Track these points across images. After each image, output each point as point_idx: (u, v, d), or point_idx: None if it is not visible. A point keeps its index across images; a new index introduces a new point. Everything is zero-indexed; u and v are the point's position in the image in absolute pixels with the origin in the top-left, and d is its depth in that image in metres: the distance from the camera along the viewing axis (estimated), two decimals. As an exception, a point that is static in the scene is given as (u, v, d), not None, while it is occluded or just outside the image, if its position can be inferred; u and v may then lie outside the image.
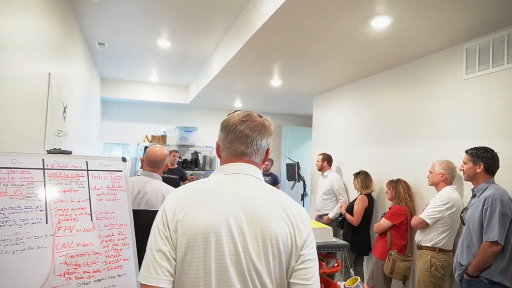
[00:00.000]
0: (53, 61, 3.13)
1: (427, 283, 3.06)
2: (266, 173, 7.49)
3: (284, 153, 8.00)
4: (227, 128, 1.35)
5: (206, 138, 7.82)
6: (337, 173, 5.15)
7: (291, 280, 1.23)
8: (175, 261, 1.14)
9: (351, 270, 4.39)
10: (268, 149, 1.41)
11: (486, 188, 2.59)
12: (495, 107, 2.99)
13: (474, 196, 2.70)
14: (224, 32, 4.32)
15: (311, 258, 1.25)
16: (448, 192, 3.10)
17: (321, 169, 5.15)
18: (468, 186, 2.94)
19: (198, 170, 7.47)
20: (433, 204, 3.12)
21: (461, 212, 2.92)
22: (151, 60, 5.63)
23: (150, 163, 2.60)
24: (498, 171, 2.68)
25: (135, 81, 6.98)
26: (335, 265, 2.28)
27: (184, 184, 6.26)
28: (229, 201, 1.20)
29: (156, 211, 1.25)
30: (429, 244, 3.11)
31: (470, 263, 2.55)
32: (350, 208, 4.32)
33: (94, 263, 1.40)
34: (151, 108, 7.55)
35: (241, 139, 1.32)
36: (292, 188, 6.29)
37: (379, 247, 3.74)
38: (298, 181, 5.97)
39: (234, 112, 1.42)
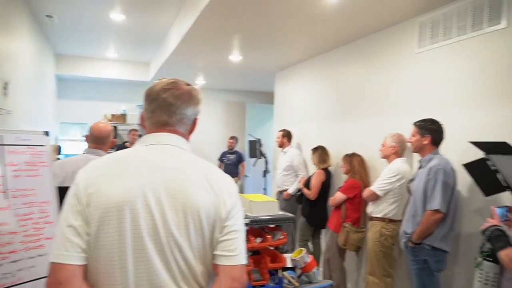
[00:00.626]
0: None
1: (377, 252, 3.15)
2: (231, 151, 7.47)
3: (248, 131, 7.96)
4: (150, 96, 1.29)
5: (169, 117, 7.66)
6: (298, 149, 5.18)
7: (215, 252, 1.20)
8: (89, 236, 1.09)
9: (309, 244, 4.47)
10: (195, 119, 1.36)
11: (432, 159, 2.65)
12: (443, 80, 3.04)
13: (420, 167, 2.76)
14: (180, 5, 4.16)
15: (236, 229, 1.22)
16: (398, 164, 3.16)
17: (281, 145, 5.15)
18: (418, 158, 3.00)
19: (161, 149, 7.33)
20: (383, 176, 3.18)
21: (408, 183, 2.99)
22: (108, 35, 5.39)
23: (94, 140, 2.50)
24: (445, 142, 2.74)
25: (93, 58, 6.69)
26: (281, 237, 2.29)
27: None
28: (147, 173, 1.15)
29: None
30: (379, 215, 3.19)
31: (415, 231, 2.63)
32: (308, 183, 4.36)
33: (9, 243, 1.32)
34: (111, 86, 7.29)
35: (163, 108, 1.26)
36: (254, 165, 6.29)
37: (334, 220, 3.81)
38: (260, 158, 5.97)
39: (160, 80, 1.35)
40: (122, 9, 4.31)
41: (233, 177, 7.29)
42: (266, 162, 5.95)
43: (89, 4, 4.16)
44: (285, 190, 4.96)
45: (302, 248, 2.28)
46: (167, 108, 1.26)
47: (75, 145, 6.78)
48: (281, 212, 2.33)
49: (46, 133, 1.61)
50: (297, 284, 2.18)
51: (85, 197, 1.10)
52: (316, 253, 4.44)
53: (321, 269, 4.11)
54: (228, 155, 7.49)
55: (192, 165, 1.23)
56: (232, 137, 7.54)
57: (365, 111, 3.95)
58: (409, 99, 3.38)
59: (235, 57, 5.02)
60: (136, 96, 7.39)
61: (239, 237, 1.22)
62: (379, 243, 3.15)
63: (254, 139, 6.07)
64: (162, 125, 1.27)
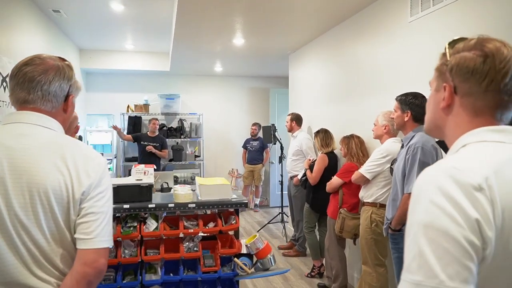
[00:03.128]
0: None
1: (368, 239, 2.93)
2: (254, 138, 7.39)
3: (272, 117, 7.81)
4: (12, 72, 1.23)
5: (191, 105, 7.73)
6: (308, 133, 4.98)
7: (75, 235, 1.14)
8: None
9: (316, 231, 4.29)
10: (68, 96, 1.28)
11: (413, 137, 2.40)
12: (435, 49, 2.72)
13: (402, 146, 2.50)
14: (173, -10, 4.11)
15: (95, 211, 1.15)
16: (389, 144, 2.90)
17: (290, 129, 4.98)
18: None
19: (184, 138, 7.41)
20: (372, 157, 2.94)
21: (391, 164, 2.73)
22: (117, 27, 5.46)
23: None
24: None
25: (113, 50, 6.85)
26: (233, 222, 2.18)
27: (163, 152, 6.25)
28: None
29: None
30: (370, 200, 2.96)
31: (394, 216, 2.40)
32: (312, 167, 4.17)
33: None
34: (133, 77, 7.46)
35: (22, 85, 1.20)
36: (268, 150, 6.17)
37: (331, 206, 3.61)
38: (274, 143, 5.84)
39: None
40: (121, -1, 4.34)
41: (257, 163, 7.29)
42: (282, 148, 5.82)
43: (88, -4, 4.23)
44: (296, 176, 4.80)
45: (256, 234, 2.15)
46: (26, 84, 1.20)
47: (101, 135, 7.07)
48: (235, 197, 2.22)
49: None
50: (249, 271, 2.08)
51: None
52: (322, 241, 4.26)
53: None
54: (251, 142, 7.41)
55: (45, 144, 1.16)
56: (254, 124, 7.44)
57: (366, 89, 3.68)
58: (406, 73, 3.08)
59: (238, 40, 4.89)
60: (157, 86, 7.52)
61: (98, 219, 1.15)
62: (370, 230, 2.92)
63: (268, 125, 5.93)
64: (22, 103, 1.21)
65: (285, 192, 5.89)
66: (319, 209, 4.14)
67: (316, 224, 4.28)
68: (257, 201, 7.61)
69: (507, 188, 0.74)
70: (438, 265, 0.68)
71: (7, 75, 3.62)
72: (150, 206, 1.99)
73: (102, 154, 6.73)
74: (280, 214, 5.90)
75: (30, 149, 1.13)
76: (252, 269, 2.10)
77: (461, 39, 0.91)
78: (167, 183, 3.10)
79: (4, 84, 3.58)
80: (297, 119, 4.92)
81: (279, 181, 5.97)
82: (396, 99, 2.53)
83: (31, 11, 4.35)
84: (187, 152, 7.40)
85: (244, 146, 7.53)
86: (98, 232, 1.13)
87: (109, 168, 6.62)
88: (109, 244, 1.17)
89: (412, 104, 2.41)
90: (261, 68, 7.17)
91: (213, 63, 6.70)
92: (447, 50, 0.91)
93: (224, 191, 2.16)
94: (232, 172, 7.92)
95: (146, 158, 6.12)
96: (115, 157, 7.09)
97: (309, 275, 4.14)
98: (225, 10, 3.78)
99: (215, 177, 7.77)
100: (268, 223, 6.10)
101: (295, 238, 4.96)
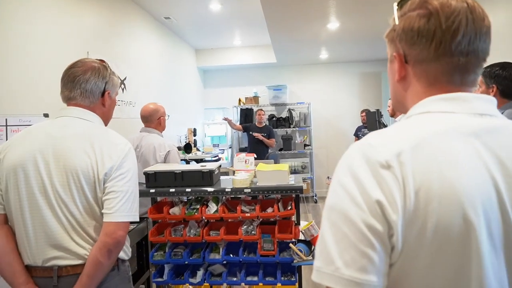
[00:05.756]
0: (92, 42, 3.63)
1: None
2: (365, 125, 7.08)
3: (385, 102, 7.36)
4: (62, 75, 1.49)
5: (300, 94, 7.79)
6: (413, 117, 4.58)
7: (102, 210, 1.35)
8: (1, 191, 1.38)
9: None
10: (105, 92, 1.49)
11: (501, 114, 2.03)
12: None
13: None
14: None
15: (115, 190, 1.34)
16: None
17: (392, 114, 4.63)
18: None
19: (293, 127, 7.53)
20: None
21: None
22: (222, 25, 5.85)
23: (143, 119, 2.88)
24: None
25: (224, 48, 7.36)
26: (289, 208, 2.19)
27: (270, 141, 6.47)
28: (39, 140, 1.37)
29: None
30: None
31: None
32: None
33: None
34: (243, 70, 7.86)
35: (67, 84, 1.45)
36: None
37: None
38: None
39: None
40: (218, -1, 4.65)
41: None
42: (388, 134, 5.46)
43: (188, 1, 4.64)
44: (399, 164, 4.48)
45: (312, 221, 2.12)
46: (70, 84, 1.44)
47: (217, 128, 7.66)
48: (292, 182, 2.22)
49: (46, 115, 2.02)
50: (304, 257, 2.07)
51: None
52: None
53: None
54: (363, 130, 7.11)
55: (80, 133, 1.38)
56: (363, 110, 7.13)
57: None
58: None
59: (333, 24, 4.74)
60: (266, 78, 7.77)
61: (118, 197, 1.33)
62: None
63: (372, 110, 5.62)
64: (67, 100, 1.46)
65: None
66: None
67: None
68: (370, 190, 7.29)
69: (427, 164, 0.63)
70: (336, 251, 0.64)
71: (124, 78, 4.24)
72: (209, 190, 2.15)
73: (218, 144, 7.32)
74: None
75: (68, 138, 1.37)
76: (310, 257, 2.10)
77: None
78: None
79: (122, 86, 4.20)
80: (399, 103, 4.56)
81: (386, 170, 5.62)
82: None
83: (145, 20, 4.97)
84: (296, 141, 7.51)
85: (356, 134, 7.28)
86: (117, 208, 1.32)
87: (224, 158, 7.16)
88: (129, 218, 1.35)
89: (499, 77, 2.06)
90: (370, 51, 6.80)
91: (318, 50, 6.62)
92: (395, 12, 0.80)
93: (281, 177, 2.19)
94: (343, 161, 7.74)
95: (254, 147, 6.44)
96: (229, 147, 7.62)
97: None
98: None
99: (326, 165, 7.72)
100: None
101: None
